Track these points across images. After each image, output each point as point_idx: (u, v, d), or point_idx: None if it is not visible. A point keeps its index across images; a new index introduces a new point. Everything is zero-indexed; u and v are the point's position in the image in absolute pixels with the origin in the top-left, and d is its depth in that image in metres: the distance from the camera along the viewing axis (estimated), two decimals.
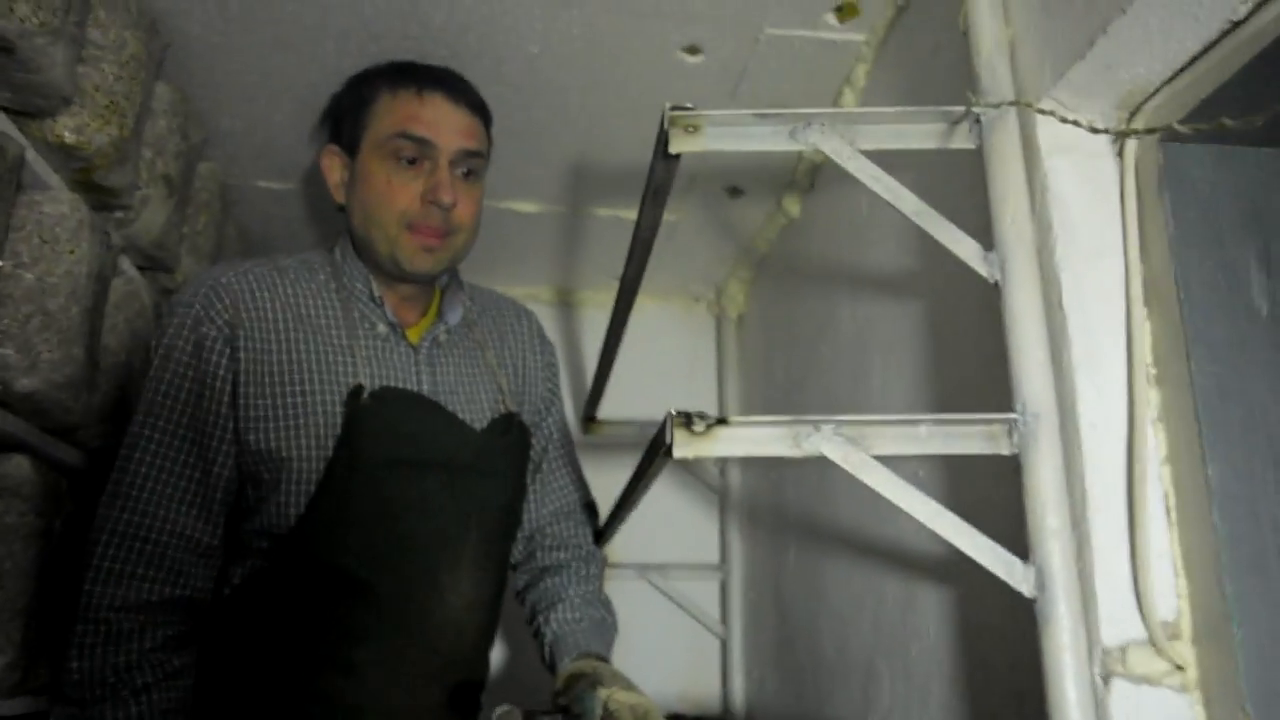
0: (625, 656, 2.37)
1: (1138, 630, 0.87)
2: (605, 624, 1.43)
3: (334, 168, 1.36)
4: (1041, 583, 0.88)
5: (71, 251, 1.20)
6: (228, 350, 1.22)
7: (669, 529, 2.45)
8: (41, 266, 1.17)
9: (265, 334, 1.24)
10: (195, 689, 1.19)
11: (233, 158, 1.83)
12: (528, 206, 2.07)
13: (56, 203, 1.20)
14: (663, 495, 2.42)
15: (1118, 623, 0.87)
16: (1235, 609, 0.82)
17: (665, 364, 2.55)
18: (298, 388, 1.23)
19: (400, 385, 1.30)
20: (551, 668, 1.36)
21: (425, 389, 1.31)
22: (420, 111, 1.30)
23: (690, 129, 1.03)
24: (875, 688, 1.44)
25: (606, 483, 2.37)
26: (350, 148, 1.34)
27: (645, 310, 2.64)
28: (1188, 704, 0.85)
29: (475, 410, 1.35)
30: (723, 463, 2.47)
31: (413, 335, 1.35)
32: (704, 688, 2.40)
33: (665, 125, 1.02)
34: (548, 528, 1.50)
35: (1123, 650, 0.86)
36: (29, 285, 1.16)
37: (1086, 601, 0.88)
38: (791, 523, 1.98)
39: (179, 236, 1.60)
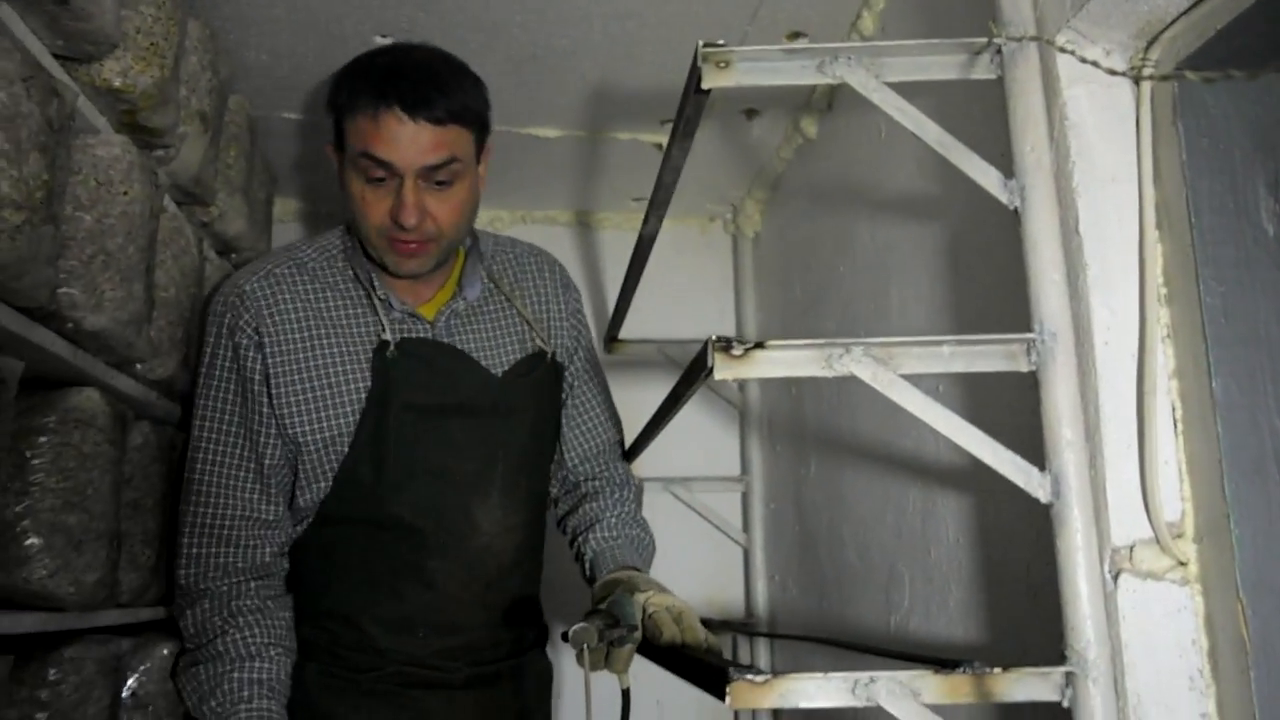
0: (655, 566, 2.49)
1: (1144, 531, 0.95)
2: (642, 542, 1.52)
3: (334, 160, 1.40)
4: (1057, 489, 0.96)
5: (125, 192, 1.25)
6: (260, 354, 1.37)
7: (692, 444, 2.53)
8: (99, 208, 1.22)
9: (289, 332, 1.38)
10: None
11: (259, 90, 1.86)
12: (549, 132, 2.10)
13: (108, 145, 1.24)
14: (686, 412, 2.46)
15: (1126, 524, 0.95)
16: (1234, 509, 0.90)
17: (683, 283, 2.60)
18: (323, 364, 1.37)
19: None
20: (591, 583, 1.46)
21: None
22: (377, 133, 1.28)
23: (721, 64, 1.07)
24: (897, 590, 1.53)
25: (633, 399, 2.45)
26: (339, 148, 1.38)
27: (662, 230, 2.68)
28: (1188, 595, 0.93)
29: (497, 357, 1.45)
30: (743, 380, 2.54)
31: (428, 311, 1.43)
32: (728, 594, 2.52)
33: (698, 61, 1.06)
34: (581, 465, 1.59)
35: (1130, 549, 0.94)
36: (89, 227, 1.21)
37: (1098, 505, 0.96)
38: (811, 436, 2.05)
39: (214, 170, 1.65)
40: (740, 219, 2.58)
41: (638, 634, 1.19)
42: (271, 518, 1.38)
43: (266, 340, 1.37)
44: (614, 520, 1.51)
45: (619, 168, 2.28)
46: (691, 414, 2.53)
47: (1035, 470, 0.97)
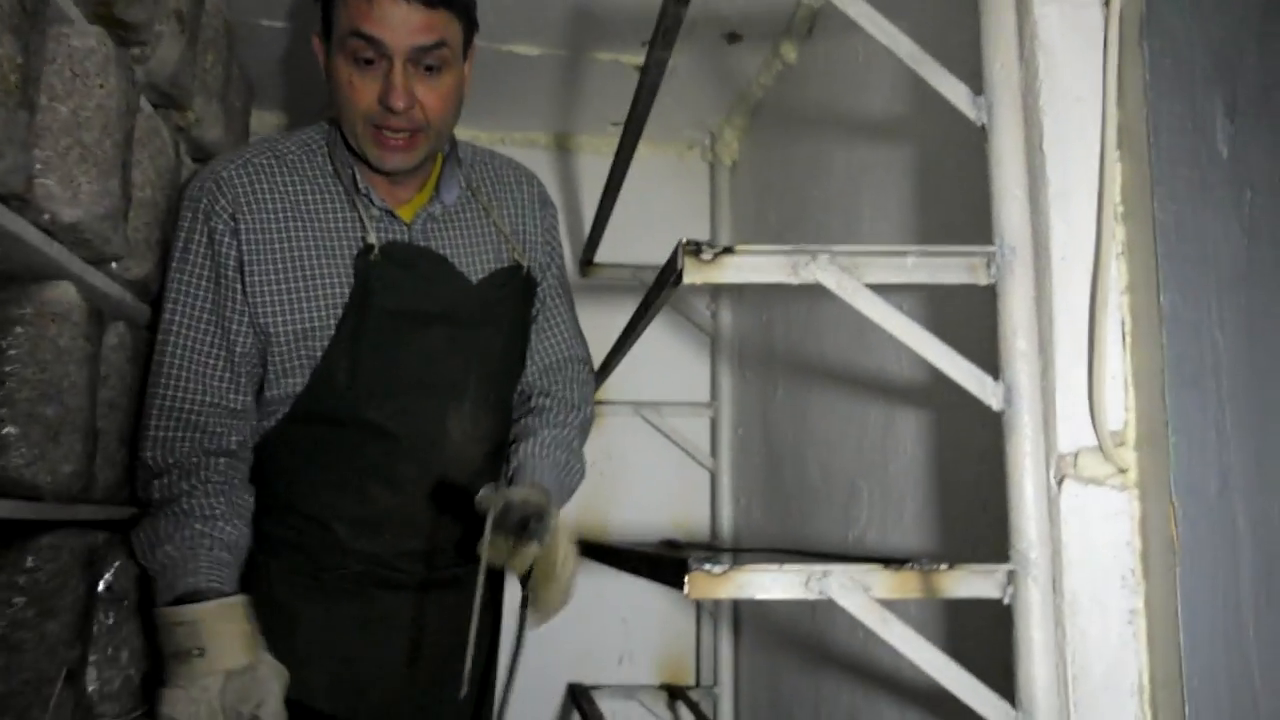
0: (622, 488, 2.56)
1: (1090, 439, 0.99)
2: (569, 467, 1.53)
3: (320, 52, 1.38)
4: (1009, 398, 1.00)
5: (101, 85, 1.25)
6: (235, 241, 1.36)
7: (663, 369, 2.58)
8: (75, 100, 1.22)
9: (266, 222, 1.37)
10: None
11: None
12: (528, 49, 2.09)
13: (84, 35, 1.24)
14: (657, 337, 2.53)
15: (1073, 432, 0.99)
16: (1173, 418, 0.94)
17: (659, 210, 2.62)
18: (301, 258, 1.37)
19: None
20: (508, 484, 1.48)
21: None
22: (370, 10, 1.27)
23: None
24: (855, 505, 1.59)
25: (604, 323, 2.48)
26: (326, 37, 1.35)
27: (640, 156, 2.66)
28: (1126, 500, 0.98)
29: (473, 265, 1.46)
30: (715, 305, 2.57)
31: (405, 213, 1.43)
32: (694, 517, 2.58)
33: None
34: (538, 380, 1.60)
35: (1075, 455, 0.98)
36: (65, 118, 1.21)
37: (1047, 414, 1.00)
38: (780, 360, 2.09)
39: (191, 74, 1.64)
40: (719, 147, 2.58)
41: (548, 537, 1.25)
42: (239, 406, 1.39)
43: (243, 227, 1.36)
44: (547, 440, 1.52)
45: (599, 90, 2.28)
46: (663, 339, 2.57)
47: (989, 379, 1.01)
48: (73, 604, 1.34)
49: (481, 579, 1.21)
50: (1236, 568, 0.91)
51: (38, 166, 1.17)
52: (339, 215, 1.40)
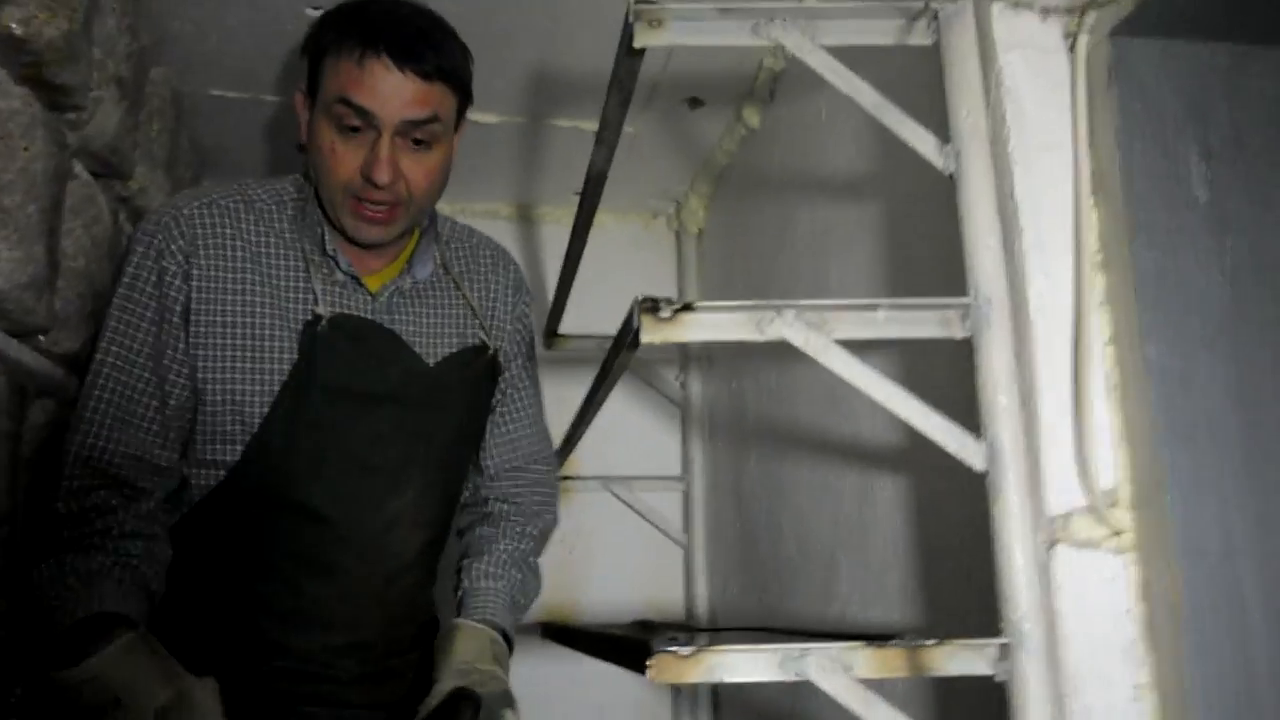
0: (592, 567, 2.46)
1: (1080, 499, 0.92)
2: (523, 587, 1.44)
3: (302, 109, 1.30)
4: (993, 457, 0.93)
5: (26, 148, 1.19)
6: (186, 286, 1.26)
7: (631, 442, 2.51)
8: None
9: (220, 269, 1.27)
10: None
11: (185, 63, 1.79)
12: (487, 117, 2.07)
13: (8, 97, 1.18)
14: (625, 408, 2.46)
15: (1062, 492, 0.92)
16: (1169, 476, 0.88)
17: (624, 280, 2.56)
18: (249, 320, 1.27)
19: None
20: (458, 607, 1.40)
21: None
22: (361, 77, 1.20)
23: (654, 23, 1.04)
24: (835, 579, 1.51)
25: (568, 396, 2.39)
26: (311, 95, 1.28)
27: (605, 227, 2.66)
28: (1123, 564, 0.91)
29: (434, 346, 1.37)
30: (684, 375, 2.52)
31: (372, 283, 1.34)
32: (669, 595, 2.48)
33: (630, 19, 1.03)
34: (496, 480, 1.50)
35: (1066, 518, 0.92)
36: None
37: (1033, 474, 0.93)
38: (752, 429, 2.03)
39: (133, 142, 1.58)
40: (684, 215, 2.56)
41: None
42: (164, 464, 1.25)
43: (195, 272, 1.26)
44: (504, 557, 1.43)
45: (560, 158, 2.25)
46: (632, 411, 2.50)
47: (970, 438, 0.95)
48: None
49: None
50: (1246, 635, 0.85)
51: None
52: (295, 277, 1.30)
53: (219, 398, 1.26)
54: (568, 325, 2.30)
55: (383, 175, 1.21)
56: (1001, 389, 0.95)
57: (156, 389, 1.25)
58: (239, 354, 1.26)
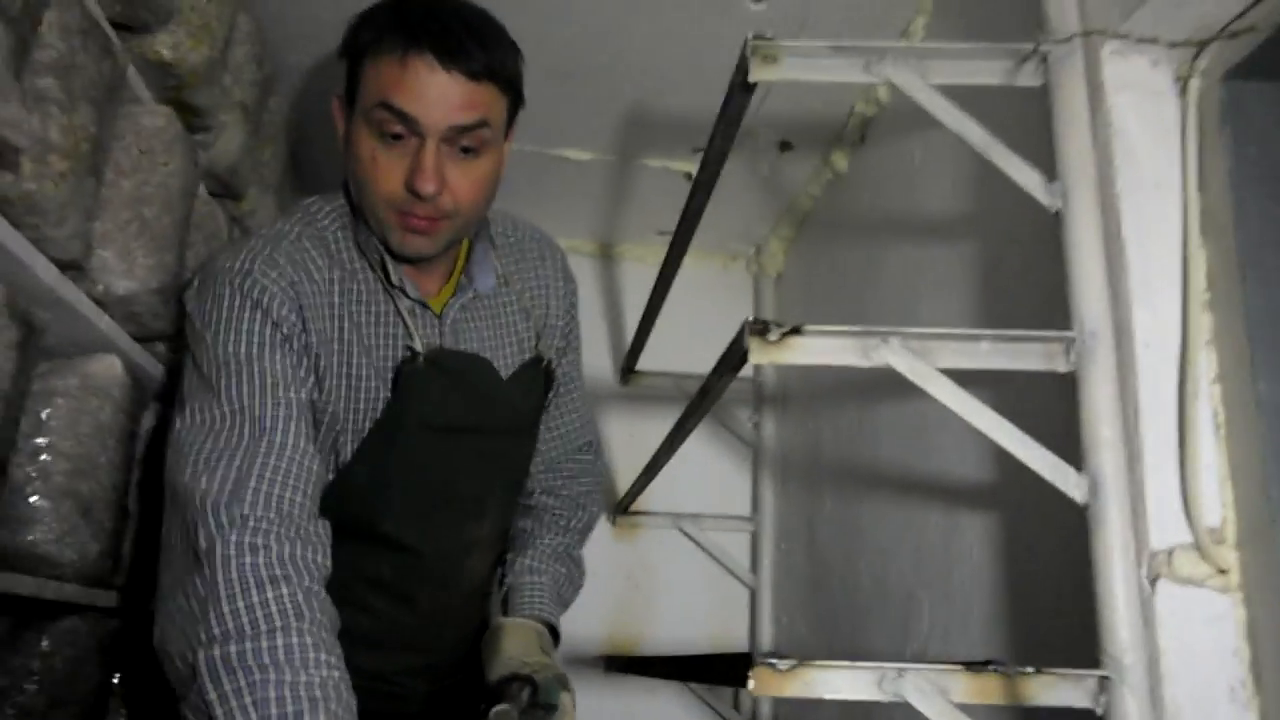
0: (655, 602, 2.47)
1: (1184, 535, 0.92)
2: (570, 579, 1.43)
3: (340, 118, 1.20)
4: (1095, 489, 0.94)
5: (165, 164, 1.26)
6: (300, 320, 1.16)
7: (703, 481, 2.51)
8: (139, 175, 1.23)
9: (321, 308, 1.19)
10: None
11: (300, 93, 1.88)
12: (579, 154, 2.12)
13: (153, 115, 1.26)
14: (698, 447, 2.47)
15: (1165, 528, 0.92)
16: (1278, 515, 0.87)
17: (701, 321, 2.57)
18: (347, 359, 1.20)
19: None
20: (504, 603, 1.38)
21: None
22: (403, 79, 1.08)
23: (769, 59, 1.08)
24: (915, 616, 1.50)
25: (642, 431, 2.44)
26: (349, 101, 1.17)
27: (683, 266, 2.70)
28: (1229, 604, 0.90)
29: (502, 360, 1.33)
30: (758, 416, 2.53)
31: (435, 304, 1.26)
32: (732, 634, 2.47)
33: (746, 53, 1.07)
34: (543, 475, 1.48)
35: (1169, 554, 0.91)
36: (127, 192, 1.22)
37: (1136, 508, 0.93)
38: (828, 470, 2.03)
39: (250, 165, 1.66)
40: (764, 258, 2.58)
41: (557, 715, 1.16)
42: (319, 466, 1.13)
43: (307, 312, 1.17)
44: (547, 551, 1.41)
45: (647, 197, 2.30)
46: (704, 451, 2.51)
47: (1072, 470, 0.95)
48: (84, 696, 1.27)
49: None
50: None
51: (97, 238, 1.17)
52: (378, 309, 1.22)
53: (322, 428, 1.21)
54: (643, 361, 2.33)
55: (428, 186, 1.10)
56: (1105, 421, 0.95)
57: (296, 384, 1.16)
58: (344, 387, 1.20)
